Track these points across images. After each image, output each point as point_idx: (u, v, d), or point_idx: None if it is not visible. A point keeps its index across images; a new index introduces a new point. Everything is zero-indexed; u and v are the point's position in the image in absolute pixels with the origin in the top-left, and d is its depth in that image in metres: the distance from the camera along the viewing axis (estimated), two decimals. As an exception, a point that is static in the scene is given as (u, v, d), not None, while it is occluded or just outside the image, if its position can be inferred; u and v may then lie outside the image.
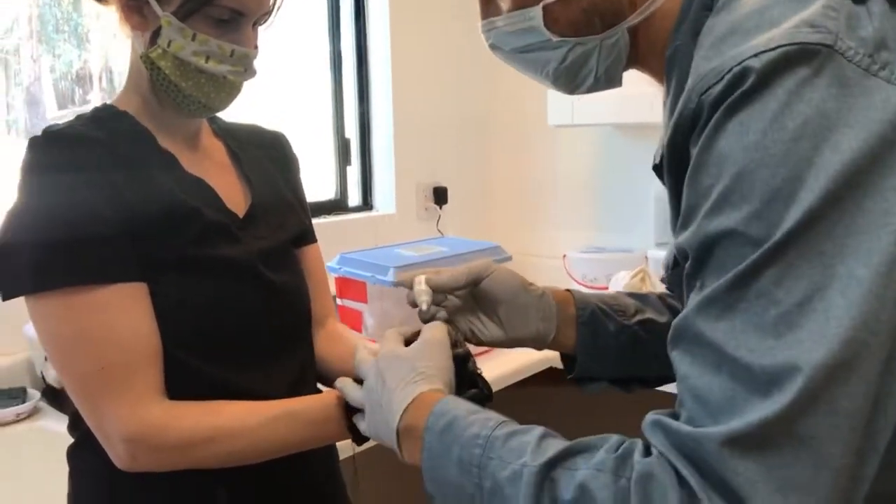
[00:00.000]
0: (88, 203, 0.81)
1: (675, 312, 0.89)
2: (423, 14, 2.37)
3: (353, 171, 2.39)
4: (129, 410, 0.80)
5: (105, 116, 0.91)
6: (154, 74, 0.87)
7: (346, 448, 0.87)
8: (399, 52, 2.31)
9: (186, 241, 0.87)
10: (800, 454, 0.48)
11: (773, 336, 0.49)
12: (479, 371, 0.83)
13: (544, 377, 1.83)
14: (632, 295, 0.92)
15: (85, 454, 0.90)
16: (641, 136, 2.28)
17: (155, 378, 0.83)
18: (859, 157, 0.48)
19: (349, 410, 0.83)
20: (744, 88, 0.52)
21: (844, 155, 0.48)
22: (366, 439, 0.82)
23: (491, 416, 0.66)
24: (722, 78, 0.53)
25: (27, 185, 0.82)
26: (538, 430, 0.62)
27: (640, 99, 1.95)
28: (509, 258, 1.83)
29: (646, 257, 2.18)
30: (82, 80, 1.81)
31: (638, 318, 0.88)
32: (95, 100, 1.82)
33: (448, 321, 0.84)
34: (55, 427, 1.39)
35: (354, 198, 2.39)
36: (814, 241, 0.49)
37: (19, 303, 0.81)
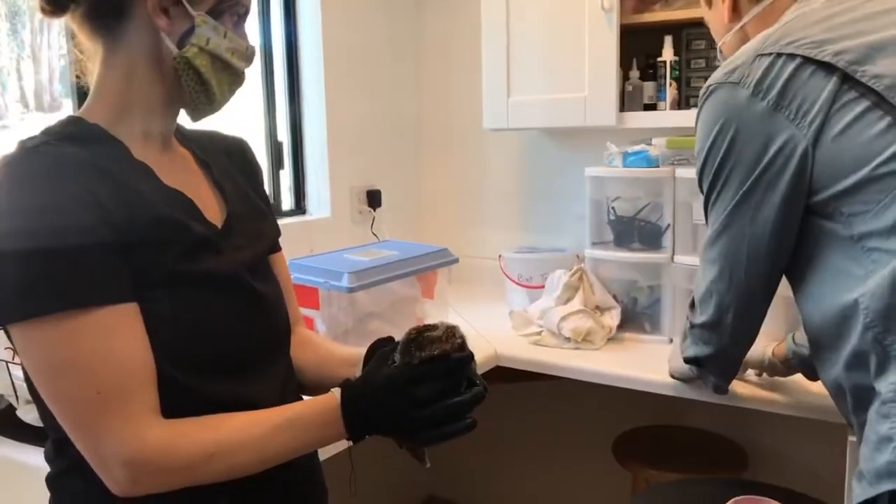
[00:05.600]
0: (76, 221, 0.77)
1: None
2: (355, 14, 2.36)
3: (286, 175, 2.35)
4: (129, 434, 0.78)
5: (77, 130, 0.87)
6: (186, 76, 0.87)
7: (341, 442, 0.89)
8: (331, 54, 2.28)
9: (176, 256, 0.85)
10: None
11: None
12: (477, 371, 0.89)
13: (493, 375, 1.87)
14: None
15: (71, 481, 0.87)
16: (568, 140, 2.35)
17: (151, 399, 0.81)
18: None
19: (346, 412, 0.85)
20: None
21: None
22: (362, 438, 0.86)
23: None
24: None
25: (7, 204, 0.78)
26: None
27: (571, 103, 2.03)
28: (456, 260, 1.86)
29: (577, 256, 2.26)
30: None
31: None
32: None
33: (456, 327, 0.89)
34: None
35: (287, 202, 2.36)
36: None
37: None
